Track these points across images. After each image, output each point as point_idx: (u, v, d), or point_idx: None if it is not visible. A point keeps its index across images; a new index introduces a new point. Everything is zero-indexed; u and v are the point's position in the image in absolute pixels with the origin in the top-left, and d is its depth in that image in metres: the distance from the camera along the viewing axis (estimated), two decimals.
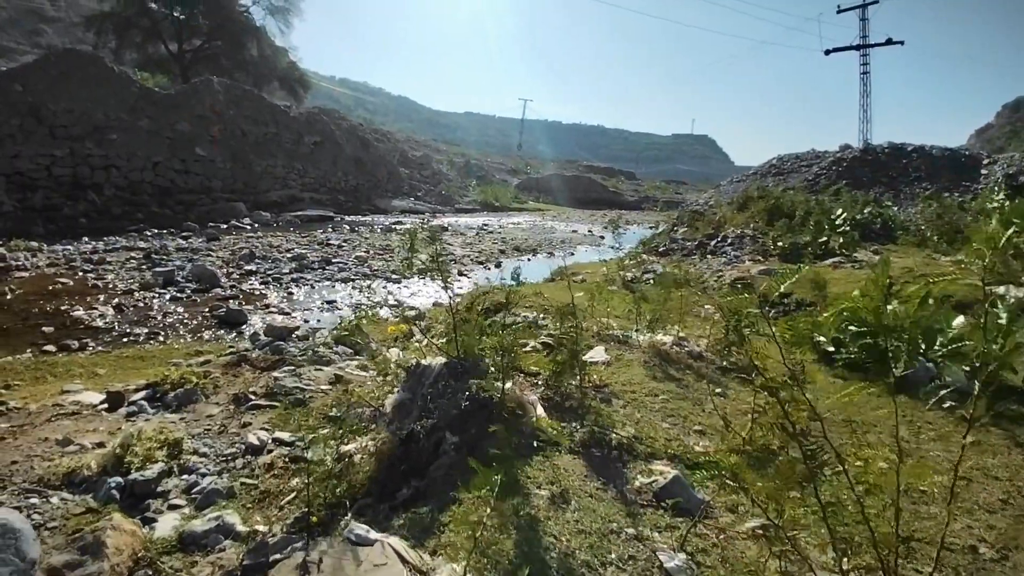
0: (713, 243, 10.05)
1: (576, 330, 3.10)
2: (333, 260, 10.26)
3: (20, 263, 8.23)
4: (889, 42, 25.48)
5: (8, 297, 6.64)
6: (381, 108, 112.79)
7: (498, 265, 12.03)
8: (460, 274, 10.55)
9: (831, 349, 4.10)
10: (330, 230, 15.29)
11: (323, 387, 3.45)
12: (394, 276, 9.45)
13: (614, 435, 2.26)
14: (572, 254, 14.66)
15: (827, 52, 26.73)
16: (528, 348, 3.89)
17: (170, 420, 3.01)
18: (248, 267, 9.16)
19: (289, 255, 10.34)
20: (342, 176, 22.76)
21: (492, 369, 2.33)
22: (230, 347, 5.07)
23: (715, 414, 2.80)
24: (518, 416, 2.20)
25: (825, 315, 4.54)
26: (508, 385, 2.27)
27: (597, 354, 3.81)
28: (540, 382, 2.84)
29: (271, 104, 20.76)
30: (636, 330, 4.41)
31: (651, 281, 8.12)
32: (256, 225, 15.54)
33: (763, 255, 8.56)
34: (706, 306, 6.95)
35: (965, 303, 5.15)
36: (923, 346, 3.82)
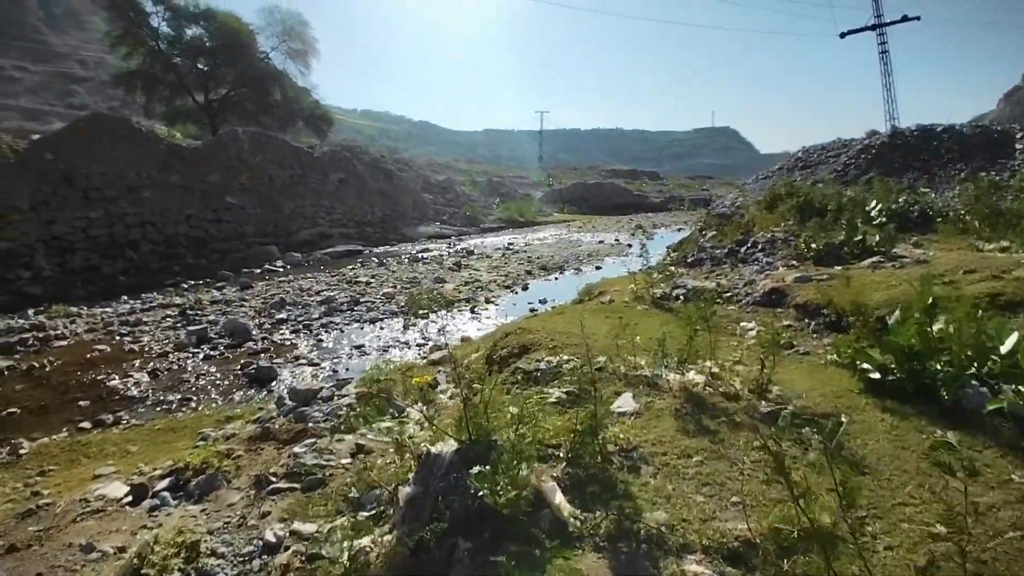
0: (743, 249, 9.70)
1: (595, 388, 2.94)
2: (361, 300, 10.30)
3: (59, 331, 8.47)
4: (905, 19, 24.63)
5: (47, 370, 6.83)
6: (403, 134, 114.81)
7: (525, 288, 11.92)
8: (487, 301, 10.48)
9: (876, 376, 3.81)
10: (359, 265, 15.44)
11: (344, 461, 3.36)
12: (421, 311, 9.42)
13: (643, 524, 2.09)
14: (599, 268, 14.46)
15: (842, 35, 26.06)
16: (551, 399, 3.74)
17: (191, 514, 2.97)
18: (279, 315, 9.26)
19: (318, 298, 10.43)
20: (368, 209, 23.09)
21: (504, 456, 2.20)
22: (259, 408, 5.08)
23: (754, 476, 2.60)
24: (536, 509, 2.06)
25: (867, 338, 4.26)
26: (523, 473, 2.13)
27: (625, 402, 3.63)
28: (561, 454, 2.68)
29: (295, 147, 21.24)
30: (666, 365, 4.21)
31: (681, 299, 7.85)
32: (288, 266, 15.83)
33: (797, 259, 8.19)
34: (742, 323, 6.67)
35: (1016, 302, 4.77)
36: (975, 365, 3.50)
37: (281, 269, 15.36)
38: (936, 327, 3.73)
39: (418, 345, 7.54)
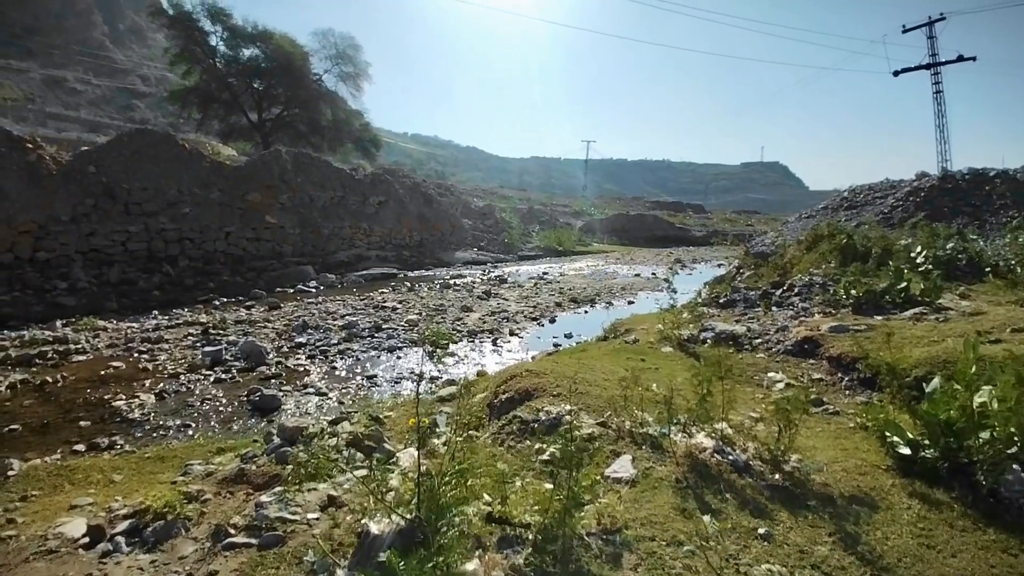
0: (779, 292, 9.19)
1: (580, 455, 2.62)
2: (383, 326, 10.18)
3: (80, 346, 8.58)
4: (960, 59, 23.63)
5: (59, 385, 6.86)
6: (451, 160, 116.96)
7: (552, 320, 11.61)
8: (511, 334, 10.22)
9: (907, 452, 3.36)
10: (390, 289, 15.44)
11: (311, 516, 3.11)
12: (441, 342, 9.19)
13: None
14: (632, 302, 14.03)
15: (895, 73, 25.25)
16: (543, 457, 3.43)
17: (139, 565, 2.77)
18: (299, 339, 9.21)
19: (341, 323, 10.37)
20: (406, 232, 23.29)
21: (450, 540, 1.91)
22: (253, 441, 4.92)
23: None
24: None
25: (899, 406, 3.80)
26: (466, 568, 1.83)
27: (622, 467, 3.29)
28: (530, 535, 2.37)
29: (337, 169, 21.68)
30: (674, 422, 3.83)
31: (708, 342, 7.43)
32: (321, 287, 15.96)
33: (835, 306, 7.68)
34: (770, 373, 6.22)
35: None
36: (1019, 446, 3.02)
37: (313, 290, 15.49)
38: (978, 399, 3.26)
39: (432, 378, 7.30)
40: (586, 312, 12.81)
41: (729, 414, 3.95)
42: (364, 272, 18.68)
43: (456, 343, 9.41)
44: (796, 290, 8.71)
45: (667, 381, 5.45)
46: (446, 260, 23.35)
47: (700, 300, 10.34)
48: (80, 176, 14.08)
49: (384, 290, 15.26)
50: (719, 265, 24.29)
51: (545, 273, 19.92)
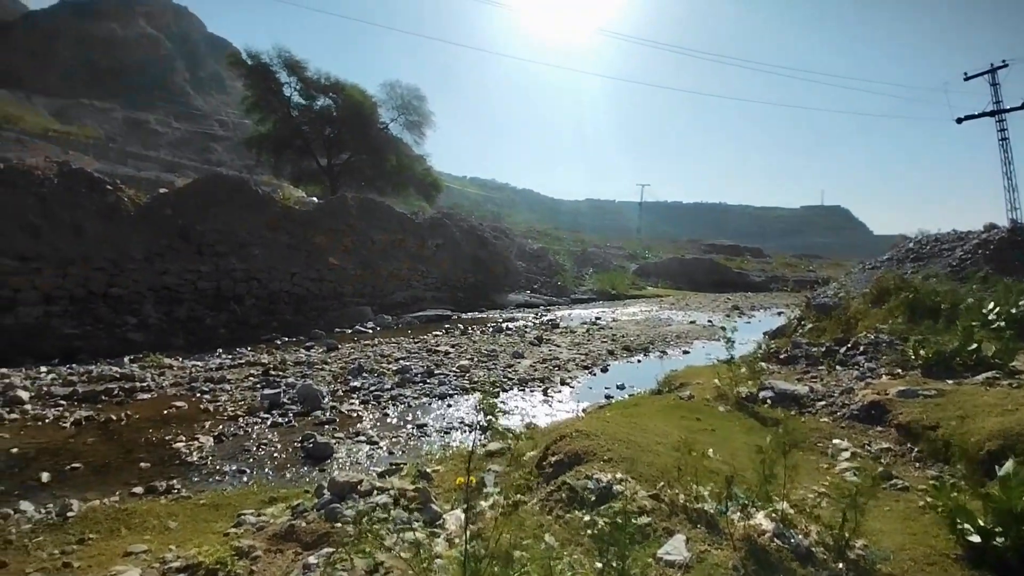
0: (843, 350, 8.74)
1: (630, 536, 2.52)
2: (435, 371, 10.26)
3: (146, 383, 9.02)
4: None
5: (122, 424, 7.19)
6: (507, 202, 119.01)
7: (604, 370, 11.41)
8: (563, 383, 10.09)
9: (977, 540, 3.08)
10: (444, 331, 15.62)
11: None
12: (492, 391, 9.17)
13: None
14: (687, 352, 13.65)
15: (959, 120, 24.23)
16: (590, 531, 3.30)
17: None
18: (354, 383, 9.39)
19: (395, 367, 10.52)
20: (461, 274, 23.68)
21: None
22: (304, 491, 4.98)
23: None
24: None
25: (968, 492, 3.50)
26: None
27: (674, 548, 3.13)
28: None
29: (399, 213, 22.45)
30: (731, 498, 3.64)
31: (768, 402, 7.11)
32: (378, 328, 16.35)
33: (903, 367, 7.26)
34: (835, 440, 5.89)
35: None
36: None
37: (370, 331, 15.87)
38: None
39: (481, 428, 7.24)
40: (639, 361, 12.54)
41: (791, 489, 3.74)
42: (419, 313, 19.04)
43: (507, 391, 9.36)
44: (861, 348, 8.28)
45: (724, 445, 5.23)
46: (499, 302, 23.53)
47: (759, 354, 9.94)
48: (157, 217, 15.06)
49: (438, 332, 15.45)
50: (779, 313, 23.43)
51: (598, 318, 19.72)
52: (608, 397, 9.07)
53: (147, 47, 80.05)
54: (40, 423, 7.20)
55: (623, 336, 15.43)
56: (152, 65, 78.25)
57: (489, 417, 2.72)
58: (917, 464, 5.03)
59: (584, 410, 7.99)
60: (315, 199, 22.68)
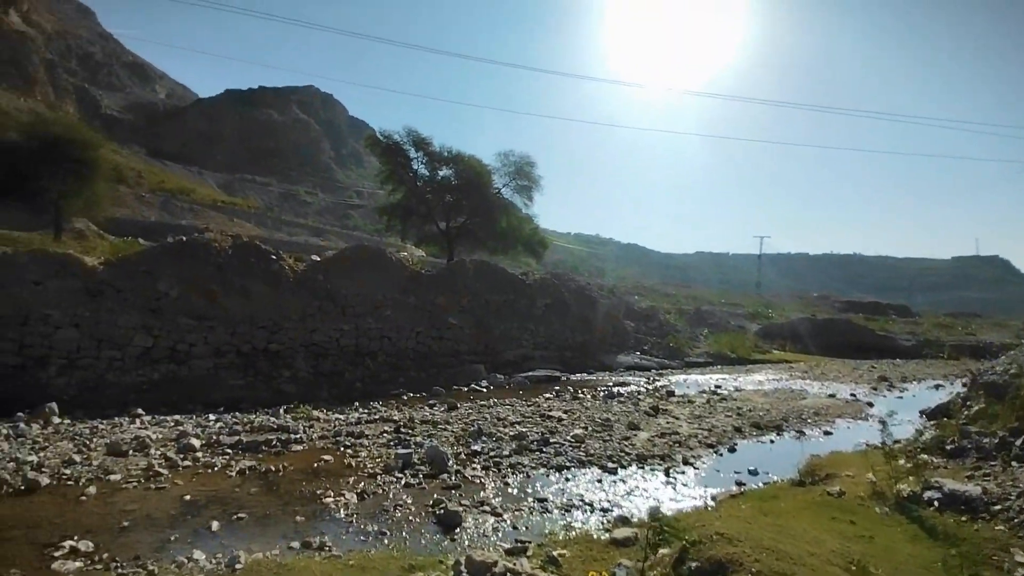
0: (1019, 442, 7.81)
1: None
2: (551, 440, 10.39)
3: (298, 435, 9.99)
4: None
5: (280, 475, 8.01)
6: (611, 256, 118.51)
7: (732, 450, 10.76)
8: (685, 462, 9.65)
9: None
10: (554, 394, 15.78)
11: None
12: (609, 465, 9.13)
13: None
14: (829, 433, 12.56)
15: None
16: None
17: None
18: (474, 446, 9.77)
19: (511, 432, 10.81)
20: (569, 334, 23.88)
21: None
22: (439, 561, 5.28)
23: None
24: None
25: None
26: None
27: None
28: None
29: (511, 275, 23.33)
30: None
31: (935, 504, 6.41)
32: (491, 387, 16.88)
33: None
34: (1012, 551, 5.28)
35: None
36: None
37: (484, 390, 16.42)
38: None
39: (603, 509, 7.27)
40: (771, 441, 11.69)
41: None
42: (529, 373, 19.41)
43: (624, 468, 9.22)
44: None
45: (887, 558, 4.81)
46: (608, 363, 23.29)
47: (920, 443, 9.06)
48: (310, 282, 16.89)
49: (548, 395, 15.62)
50: (936, 386, 21.01)
51: (718, 386, 18.80)
52: (739, 484, 8.58)
53: (299, 130, 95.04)
54: (210, 471, 8.17)
55: (750, 411, 14.42)
56: (303, 145, 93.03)
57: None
58: None
59: (714, 498, 7.67)
60: (433, 258, 24.16)
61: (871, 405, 16.27)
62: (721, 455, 10.39)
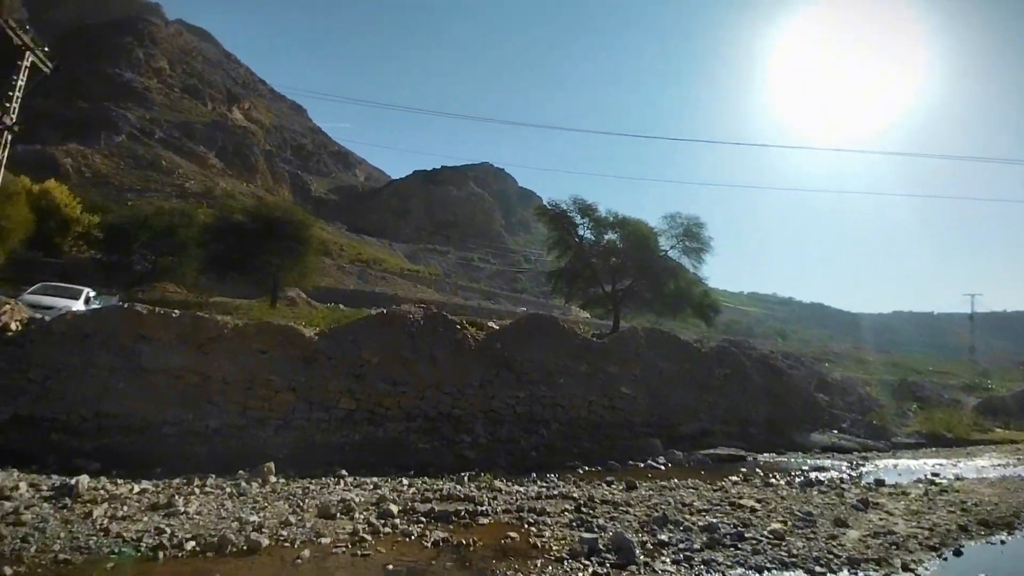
0: None
1: None
2: (746, 534, 9.64)
3: (484, 507, 10.28)
4: None
5: (471, 550, 8.23)
6: (792, 317, 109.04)
7: (957, 553, 9.33)
8: (905, 568, 8.48)
9: None
10: (742, 477, 14.67)
11: None
12: (817, 569, 8.26)
13: None
14: None
15: None
16: None
17: None
18: (660, 535, 9.38)
19: (700, 522, 10.22)
20: (752, 408, 22.20)
21: None
22: None
23: None
24: None
25: None
26: None
27: None
28: None
29: (684, 342, 22.60)
30: None
31: None
32: (669, 464, 16.24)
33: None
34: None
35: None
36: None
37: (663, 467, 15.82)
38: None
39: None
40: (1002, 542, 10.08)
41: None
42: (710, 451, 18.34)
43: (835, 574, 8.28)
44: None
45: None
46: (799, 443, 21.17)
47: None
48: (489, 350, 17.94)
49: (735, 478, 14.57)
50: None
51: (935, 474, 16.26)
52: None
53: (474, 202, 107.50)
54: (407, 539, 8.56)
55: (975, 504, 12.43)
56: (477, 216, 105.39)
57: None
58: None
59: None
60: (598, 320, 24.21)
61: None
62: (946, 559, 9.05)
